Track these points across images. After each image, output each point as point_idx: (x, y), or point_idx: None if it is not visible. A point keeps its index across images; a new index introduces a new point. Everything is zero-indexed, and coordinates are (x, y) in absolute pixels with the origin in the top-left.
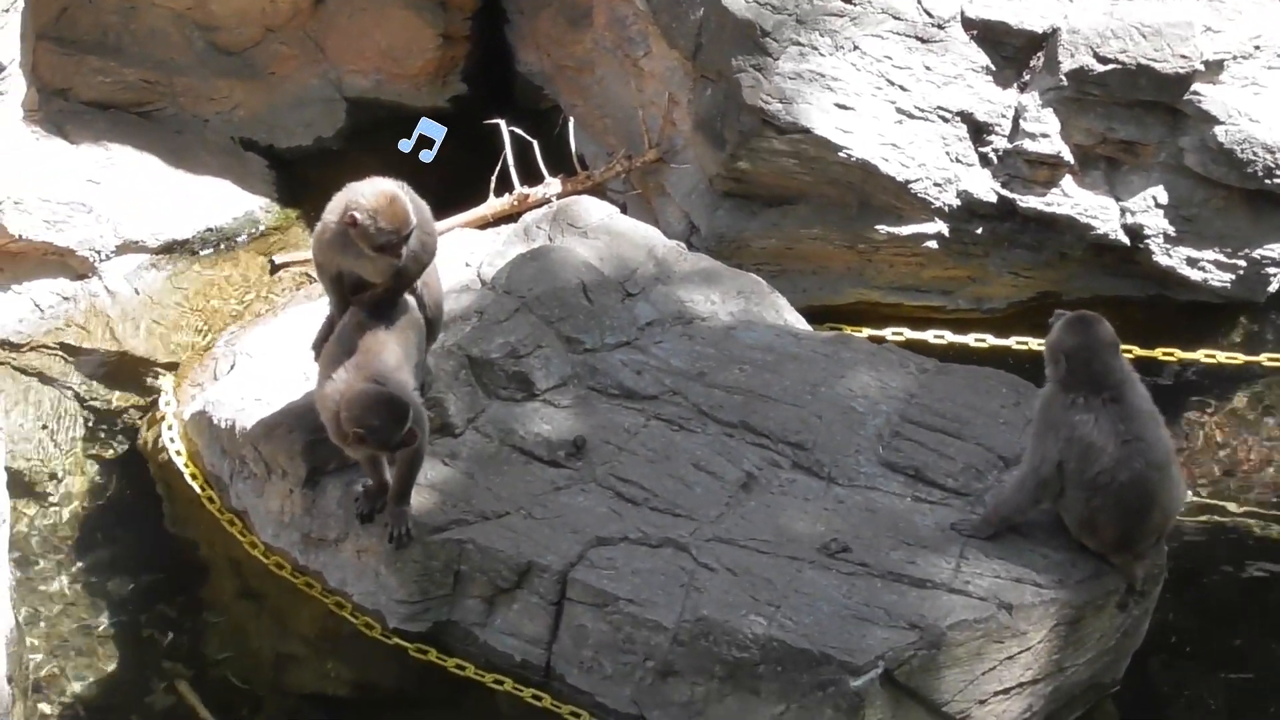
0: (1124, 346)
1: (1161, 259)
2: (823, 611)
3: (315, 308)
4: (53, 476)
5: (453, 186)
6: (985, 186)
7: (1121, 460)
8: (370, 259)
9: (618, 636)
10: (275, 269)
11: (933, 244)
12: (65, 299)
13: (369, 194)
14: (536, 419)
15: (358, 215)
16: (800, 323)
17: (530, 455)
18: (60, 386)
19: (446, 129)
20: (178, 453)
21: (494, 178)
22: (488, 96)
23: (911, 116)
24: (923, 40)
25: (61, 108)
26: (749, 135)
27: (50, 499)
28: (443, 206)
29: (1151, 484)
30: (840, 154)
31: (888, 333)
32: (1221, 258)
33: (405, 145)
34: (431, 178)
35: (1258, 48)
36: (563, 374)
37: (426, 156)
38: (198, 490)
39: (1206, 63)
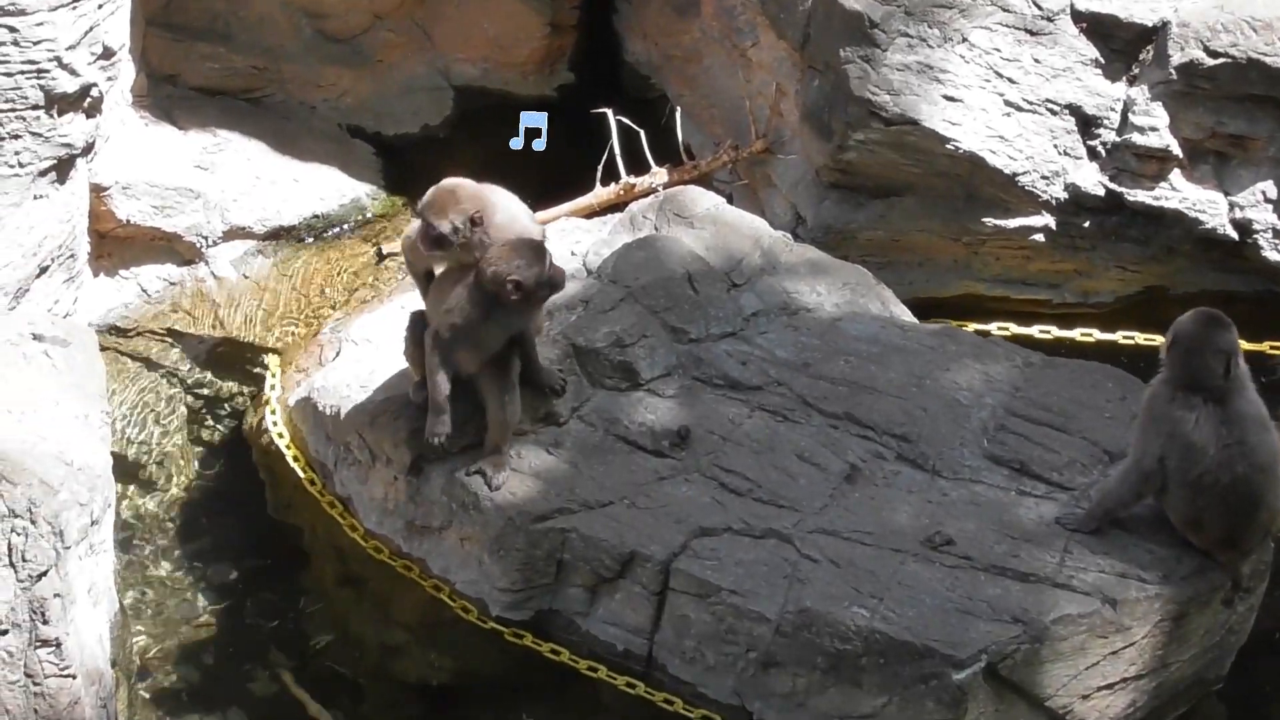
0: None
1: (1270, 254)
2: (926, 604)
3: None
4: (158, 462)
5: (559, 175)
6: (1093, 180)
7: (1223, 463)
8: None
9: (720, 627)
10: (382, 257)
11: (1040, 237)
12: (172, 284)
13: (516, 253)
14: (641, 408)
15: (520, 280)
16: (906, 315)
17: (634, 445)
18: (166, 372)
19: (548, 116)
20: (280, 436)
21: (600, 167)
22: (595, 86)
23: (1020, 109)
24: (1031, 33)
25: (170, 93)
26: (856, 126)
27: (155, 484)
28: (548, 196)
29: (1257, 485)
30: (948, 146)
31: (993, 326)
32: None
33: (516, 143)
34: (538, 167)
35: None
36: (667, 364)
37: (539, 145)
38: (301, 476)
39: None
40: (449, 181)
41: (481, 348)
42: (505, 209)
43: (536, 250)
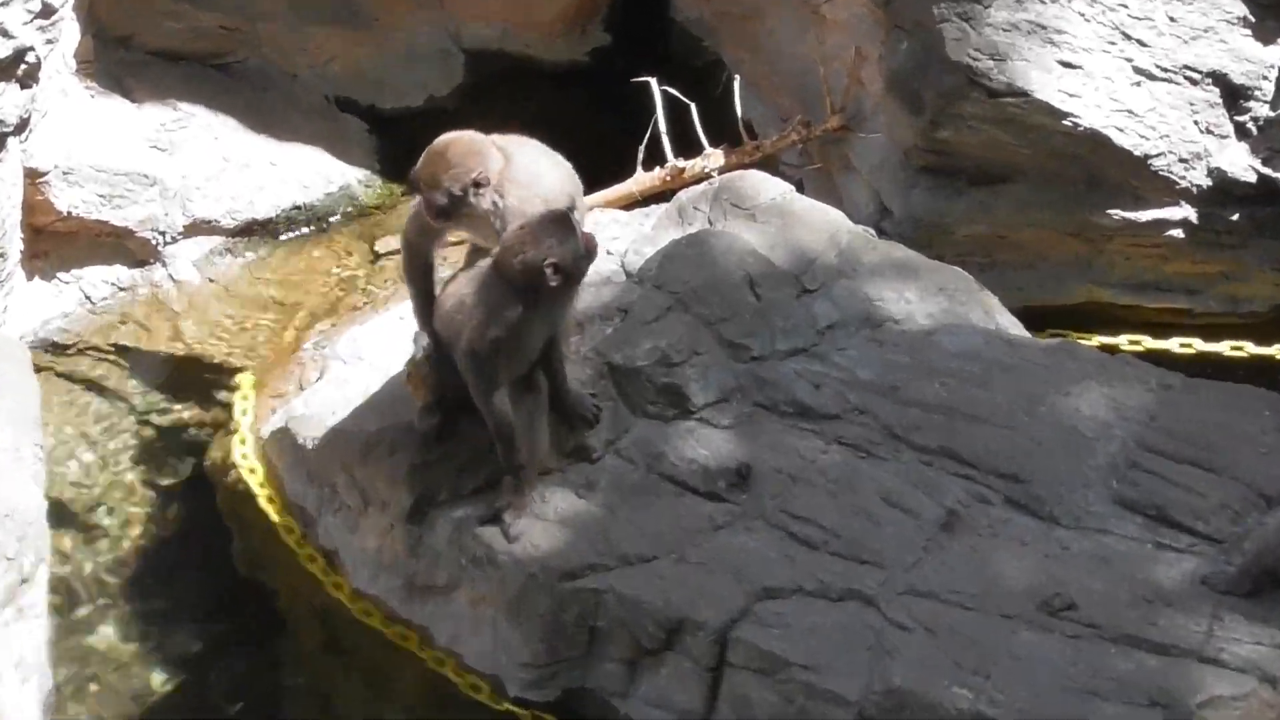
0: None
1: None
2: (1041, 682)
3: None
4: (102, 507)
5: (593, 158)
6: (1242, 163)
7: None
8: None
9: (790, 710)
10: (378, 257)
11: (1178, 232)
12: (122, 290)
13: (542, 231)
14: (691, 441)
15: (558, 261)
16: (1015, 327)
17: (683, 486)
18: (113, 397)
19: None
20: (252, 474)
21: (642, 148)
22: (636, 49)
23: (1152, 77)
24: None
25: (122, 59)
26: (953, 98)
27: (99, 534)
28: (582, 182)
29: None
30: (1065, 122)
31: (1122, 340)
32: None
33: None
34: (566, 148)
35: None
36: (723, 386)
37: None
38: (276, 523)
39: None
40: (444, 137)
41: (521, 358)
42: (523, 162)
43: (561, 221)
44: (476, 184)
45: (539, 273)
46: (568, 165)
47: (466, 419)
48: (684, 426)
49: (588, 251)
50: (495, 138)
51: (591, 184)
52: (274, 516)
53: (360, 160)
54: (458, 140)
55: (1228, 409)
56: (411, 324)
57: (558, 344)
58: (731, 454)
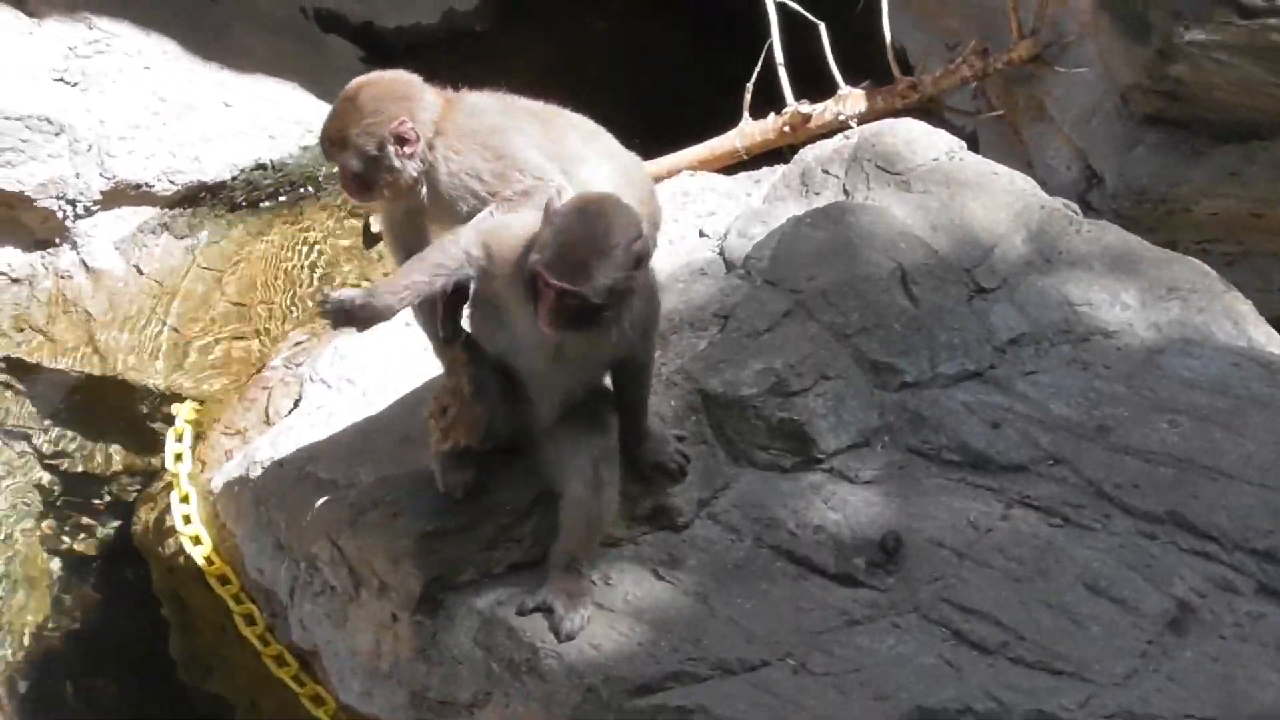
0: None
1: None
2: None
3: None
4: None
5: (684, 101)
6: None
7: None
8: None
9: None
10: (374, 240)
11: None
12: (14, 282)
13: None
14: (818, 502)
15: (538, 269)
16: (1277, 344)
17: (806, 564)
18: (3, 431)
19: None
20: (197, 543)
21: (749, 85)
22: None
23: None
24: None
25: None
26: (1193, 19)
27: None
28: (661, 132)
29: None
30: None
31: None
32: None
33: None
34: (646, 87)
35: None
36: (864, 425)
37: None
38: (234, 610)
39: None
40: (358, 80)
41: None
42: (467, 105)
43: (602, 243)
44: (399, 139)
45: (535, 279)
46: (639, 168)
47: (507, 469)
48: (808, 481)
49: (642, 254)
50: (525, 102)
51: (678, 136)
52: (229, 603)
53: None
54: (375, 82)
55: None
56: (416, 337)
57: (636, 367)
58: (875, 520)
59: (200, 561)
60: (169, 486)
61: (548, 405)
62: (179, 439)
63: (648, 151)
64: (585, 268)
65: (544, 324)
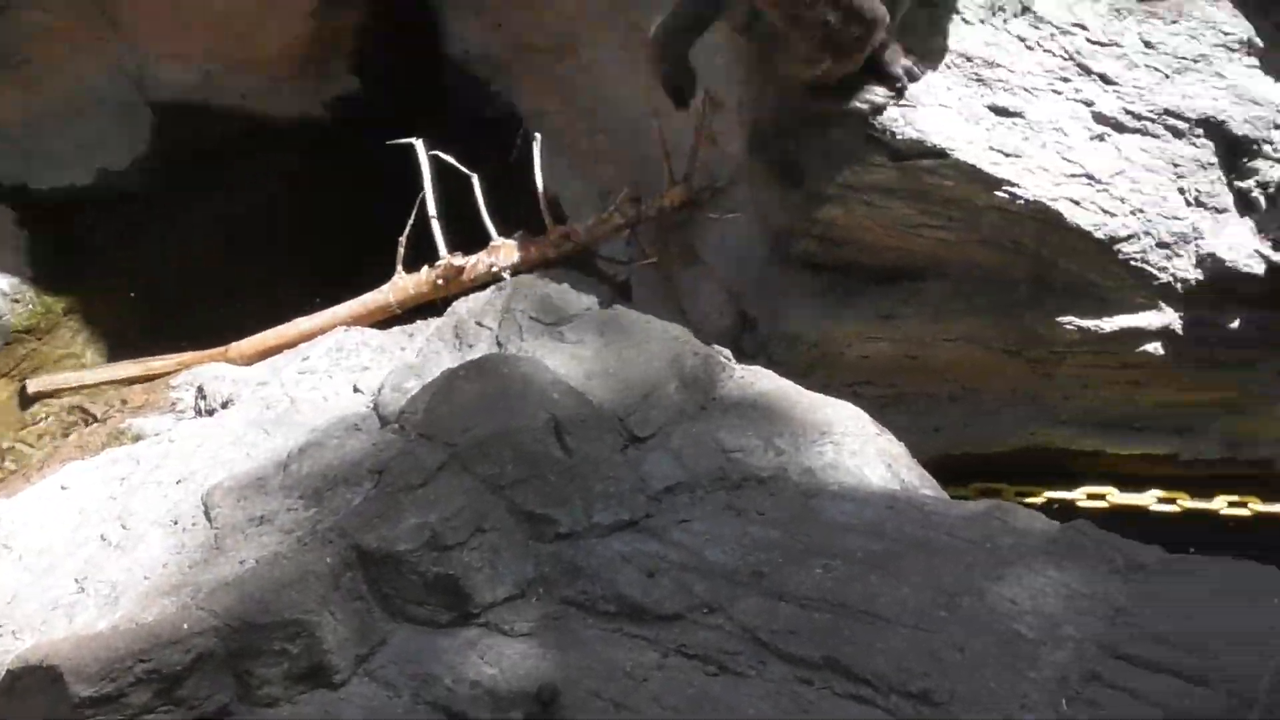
0: None
1: None
2: None
3: (101, 467)
4: None
5: (333, 254)
6: (1246, 248)
7: None
8: None
9: None
10: (29, 401)
11: (1156, 346)
12: None
13: None
14: (474, 656)
15: None
16: (930, 486)
17: (463, 719)
18: None
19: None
20: None
21: (403, 239)
22: (396, 98)
23: (1121, 127)
24: None
25: None
26: (843, 161)
27: None
28: (312, 286)
29: None
30: (999, 193)
31: (1080, 496)
32: None
33: None
34: (298, 240)
35: None
36: (520, 577)
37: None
38: None
39: None
40: None
41: None
42: None
43: None
44: None
45: None
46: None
47: None
48: (464, 636)
49: None
50: None
51: (331, 288)
52: None
53: (4, 263)
54: None
55: (1227, 596)
56: (89, 499)
57: None
58: (531, 673)
59: None
60: None
61: None
62: None
63: (301, 306)
64: None
65: None
